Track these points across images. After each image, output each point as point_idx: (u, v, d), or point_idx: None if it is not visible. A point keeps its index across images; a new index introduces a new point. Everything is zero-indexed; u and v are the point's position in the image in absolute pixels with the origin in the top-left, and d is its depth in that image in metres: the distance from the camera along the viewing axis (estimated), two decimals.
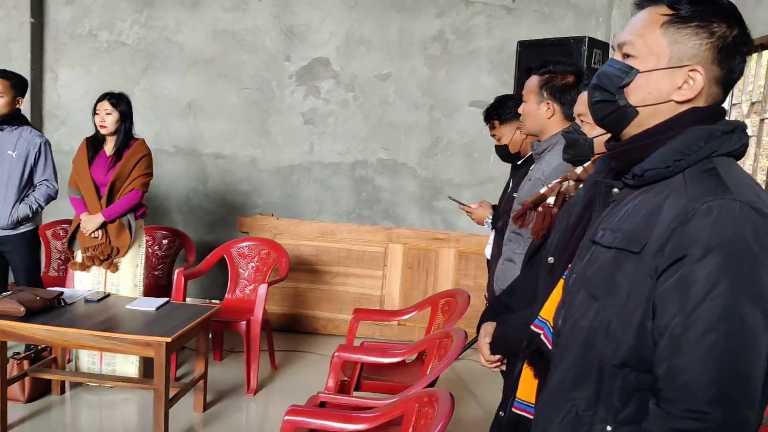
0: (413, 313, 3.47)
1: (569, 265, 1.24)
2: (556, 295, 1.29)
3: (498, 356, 1.76)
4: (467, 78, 5.14)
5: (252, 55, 5.20)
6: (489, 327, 1.77)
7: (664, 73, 1.13)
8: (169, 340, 2.96)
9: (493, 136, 3.26)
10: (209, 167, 5.31)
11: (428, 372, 2.48)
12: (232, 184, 5.31)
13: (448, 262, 4.95)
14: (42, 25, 5.28)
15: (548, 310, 1.31)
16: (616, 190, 1.20)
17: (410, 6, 5.12)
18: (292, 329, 5.01)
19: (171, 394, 3.23)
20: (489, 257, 3.19)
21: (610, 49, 1.23)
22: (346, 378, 2.94)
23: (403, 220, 5.25)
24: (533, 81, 2.36)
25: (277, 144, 5.24)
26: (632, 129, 1.17)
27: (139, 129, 5.18)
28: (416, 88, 5.16)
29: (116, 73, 5.29)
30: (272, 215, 5.10)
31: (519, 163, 3.14)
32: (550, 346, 1.27)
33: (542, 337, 1.30)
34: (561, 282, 1.26)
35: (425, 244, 4.96)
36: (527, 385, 1.34)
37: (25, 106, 5.08)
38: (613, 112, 1.17)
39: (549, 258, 1.39)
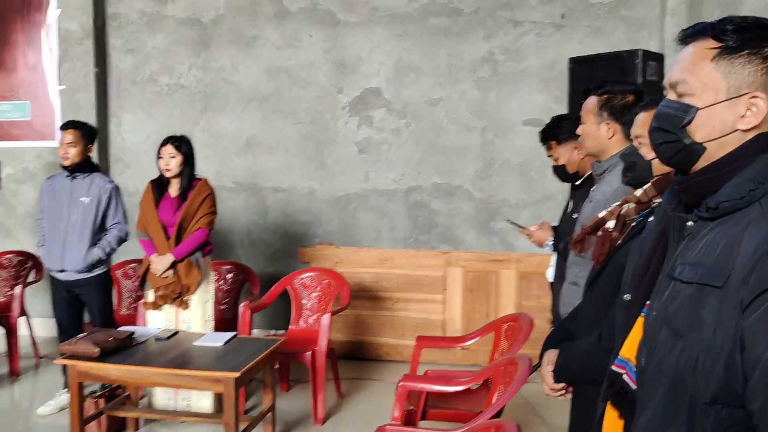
0: (476, 339, 3.44)
1: (647, 302, 1.22)
2: (636, 333, 1.26)
3: (562, 384, 1.74)
4: (519, 97, 5.13)
5: (305, 89, 5.33)
6: (552, 355, 1.75)
7: (725, 105, 1.12)
8: (237, 375, 3.03)
9: (550, 156, 3.24)
10: (269, 200, 5.44)
11: (494, 401, 2.46)
12: (291, 216, 5.42)
13: (510, 284, 4.90)
14: (105, 74, 5.54)
15: (628, 349, 1.28)
16: (690, 223, 1.18)
17: (458, 31, 5.16)
18: (356, 357, 5.03)
19: (242, 428, 3.30)
20: (551, 280, 3.15)
21: (667, 89, 1.23)
22: (411, 407, 2.94)
23: (460, 243, 5.23)
24: (592, 102, 2.34)
25: (334, 174, 5.33)
26: (701, 163, 1.16)
27: (200, 167, 5.36)
28: (467, 111, 5.17)
29: (176, 115, 5.50)
30: (332, 244, 5.17)
31: (578, 183, 3.10)
32: (633, 386, 1.25)
33: (625, 377, 1.28)
34: (640, 319, 1.24)
35: (484, 266, 4.93)
36: (611, 427, 1.31)
37: (92, 152, 5.36)
38: (680, 151, 1.17)
39: (625, 295, 1.36)
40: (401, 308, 5.03)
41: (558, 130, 3.09)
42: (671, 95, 1.19)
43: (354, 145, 5.29)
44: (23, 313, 4.81)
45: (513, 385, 2.32)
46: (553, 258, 3.11)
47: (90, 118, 5.37)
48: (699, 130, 1.14)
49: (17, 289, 4.73)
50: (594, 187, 2.38)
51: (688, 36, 1.19)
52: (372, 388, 4.47)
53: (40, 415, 3.93)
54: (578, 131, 2.40)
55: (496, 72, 5.15)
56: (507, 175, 5.19)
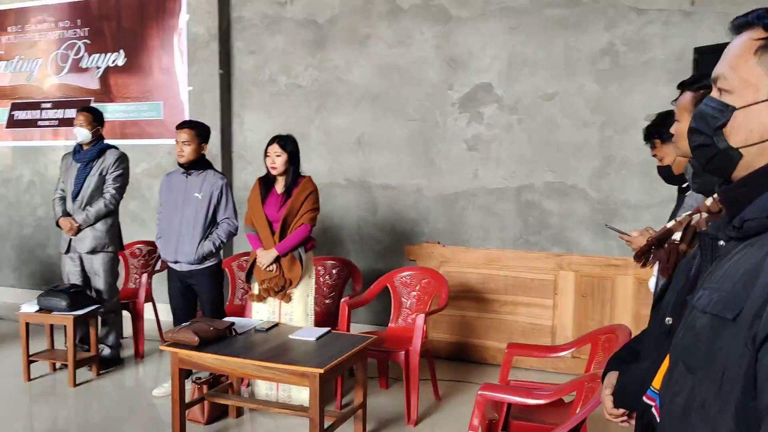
0: (571, 350, 3.25)
1: None
2: (667, 362, 1.13)
3: (622, 410, 1.58)
4: (642, 91, 4.78)
5: (416, 87, 5.30)
6: (612, 377, 1.60)
7: (766, 106, 0.96)
8: (321, 371, 3.06)
9: (654, 156, 2.99)
10: (378, 198, 5.47)
11: (575, 415, 2.30)
12: (399, 213, 5.42)
13: (626, 291, 4.60)
14: (229, 75, 5.83)
15: (660, 380, 1.15)
16: (722, 242, 1.04)
17: (576, 21, 4.89)
18: (459, 358, 4.95)
19: (330, 422, 3.34)
20: (653, 290, 2.90)
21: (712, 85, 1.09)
22: (497, 416, 2.83)
23: (574, 245, 4.97)
24: (686, 98, 2.12)
25: (442, 172, 5.26)
26: (740, 172, 1.01)
27: (315, 164, 5.53)
28: (585, 106, 4.90)
29: (293, 113, 5.67)
30: (438, 243, 5.11)
31: (684, 186, 2.83)
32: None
33: (653, 410, 1.14)
34: None
35: (600, 271, 4.65)
36: None
37: (216, 150, 5.67)
38: (715, 157, 1.02)
39: (667, 318, 1.22)
40: (508, 311, 4.88)
41: (662, 128, 2.83)
42: (714, 92, 1.04)
43: (463, 142, 5.19)
44: (150, 299, 5.19)
45: (591, 401, 2.15)
46: (656, 267, 2.86)
47: (214, 118, 5.69)
48: (735, 134, 0.99)
49: (144, 277, 5.11)
50: (688, 191, 2.15)
51: (741, 24, 1.03)
52: (472, 392, 4.30)
53: (155, 396, 4.23)
54: (672, 130, 2.18)
55: (617, 64, 4.83)
56: (627, 174, 4.86)
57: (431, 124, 5.27)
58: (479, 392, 2.69)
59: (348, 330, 4.09)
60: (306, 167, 5.04)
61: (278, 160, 3.97)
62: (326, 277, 4.73)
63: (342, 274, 4.75)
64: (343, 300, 4.21)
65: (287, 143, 4.01)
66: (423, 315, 3.86)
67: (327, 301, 4.68)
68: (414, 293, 4.33)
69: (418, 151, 5.32)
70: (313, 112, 5.64)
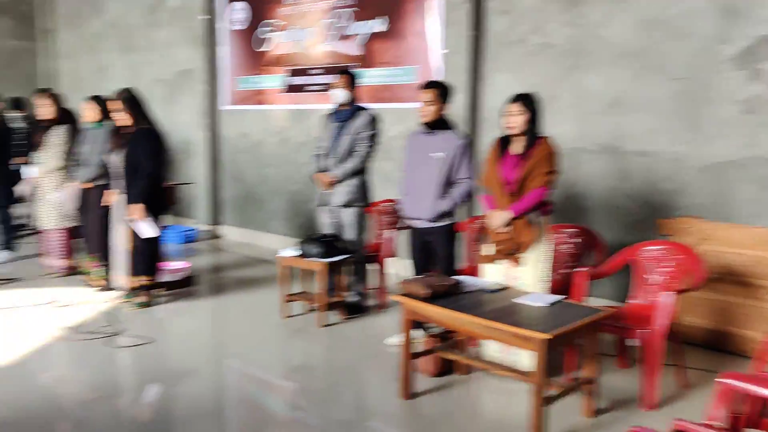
0: None
1: None
2: None
3: None
4: None
5: (682, 42, 4.73)
6: None
7: None
8: (548, 336, 2.94)
9: None
10: (631, 165, 5.04)
11: None
12: (654, 184, 4.93)
13: None
14: (479, 37, 5.78)
15: None
16: None
17: None
18: (716, 347, 4.41)
19: (555, 392, 3.21)
20: None
21: None
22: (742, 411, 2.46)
23: None
24: None
25: (708, 138, 4.66)
26: None
27: (564, 128, 5.28)
28: None
29: (543, 74, 5.45)
30: (699, 217, 4.57)
31: None
32: None
33: None
34: None
35: None
36: None
37: (464, 112, 5.70)
38: None
39: None
40: None
41: None
42: None
43: (737, 104, 4.52)
44: (394, 254, 5.45)
45: None
46: None
47: (464, 80, 5.72)
48: None
49: (387, 233, 5.36)
50: None
51: None
52: None
53: (388, 344, 4.44)
54: None
55: None
56: None
57: (699, 83, 4.68)
58: (718, 380, 2.35)
59: (582, 301, 3.86)
60: (554, 131, 4.83)
61: (518, 119, 3.86)
62: (567, 245, 4.51)
63: (583, 243, 4.48)
64: (579, 270, 3.98)
65: (530, 102, 3.87)
66: (672, 293, 3.49)
67: (565, 270, 4.47)
68: (661, 270, 3.93)
69: (681, 115, 4.77)
70: (564, 72, 5.36)
